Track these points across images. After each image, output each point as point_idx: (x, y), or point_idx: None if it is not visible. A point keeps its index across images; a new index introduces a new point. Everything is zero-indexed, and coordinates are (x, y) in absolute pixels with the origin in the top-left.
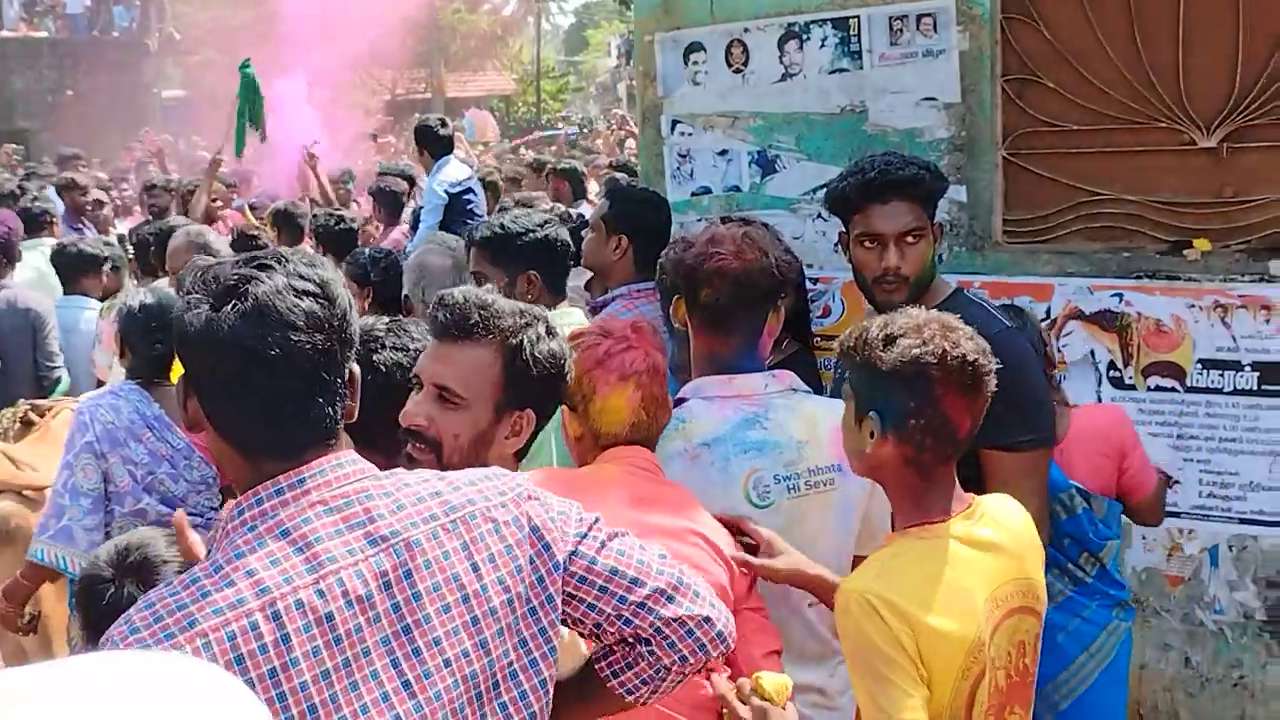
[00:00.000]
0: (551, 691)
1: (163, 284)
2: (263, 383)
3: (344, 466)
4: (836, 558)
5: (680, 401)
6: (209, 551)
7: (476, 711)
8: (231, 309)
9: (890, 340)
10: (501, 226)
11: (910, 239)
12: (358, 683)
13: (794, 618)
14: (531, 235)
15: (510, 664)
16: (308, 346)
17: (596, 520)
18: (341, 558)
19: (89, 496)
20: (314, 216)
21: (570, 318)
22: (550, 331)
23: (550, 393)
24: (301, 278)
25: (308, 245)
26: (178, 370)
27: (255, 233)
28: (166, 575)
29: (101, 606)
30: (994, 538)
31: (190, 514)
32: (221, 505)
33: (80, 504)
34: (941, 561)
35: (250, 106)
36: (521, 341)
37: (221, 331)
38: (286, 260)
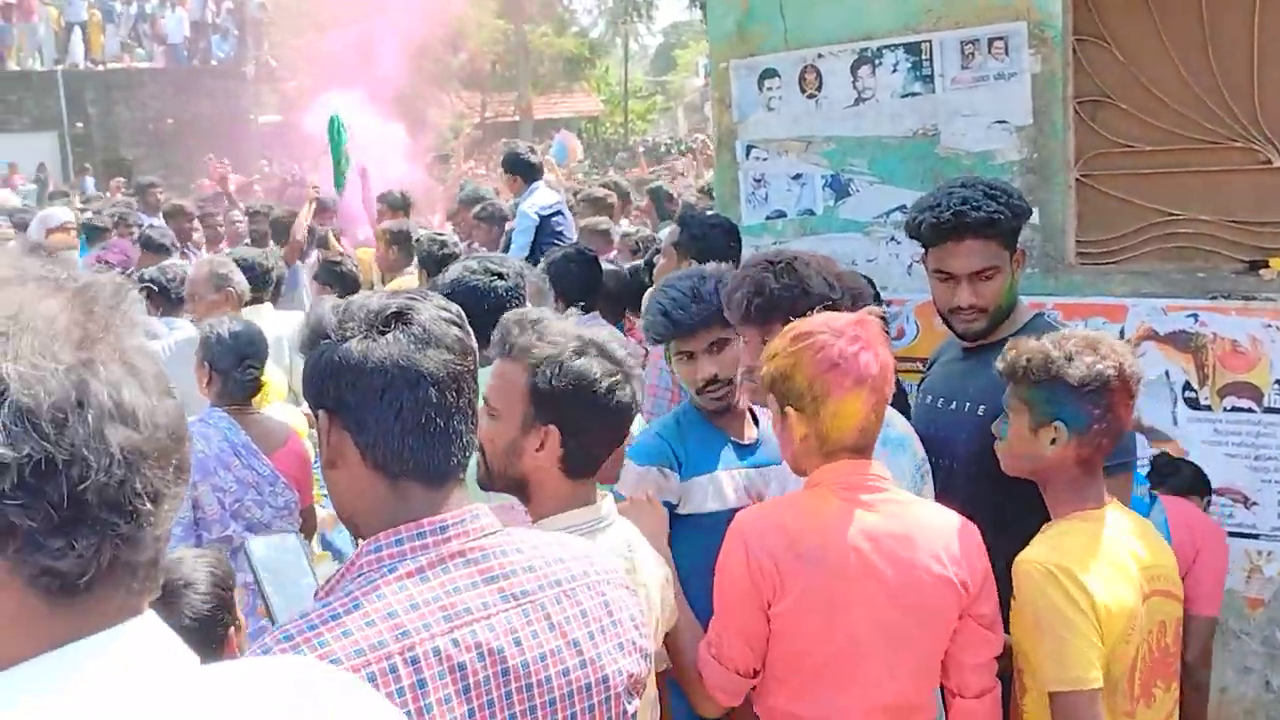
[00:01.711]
0: None
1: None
2: (428, 401)
3: (480, 519)
4: None
5: None
6: (337, 583)
7: None
8: (401, 333)
9: (1071, 358)
10: None
11: (985, 276)
12: None
13: None
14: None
15: None
16: (464, 370)
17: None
18: (476, 610)
19: (180, 524)
20: (418, 241)
21: None
22: (583, 351)
23: (577, 410)
24: (443, 309)
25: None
26: (263, 397)
27: (339, 259)
28: (188, 597)
29: None
30: (1135, 526)
31: None
32: (301, 529)
33: (173, 532)
34: (1104, 539)
35: (335, 154)
36: (543, 361)
37: (388, 354)
38: (426, 295)
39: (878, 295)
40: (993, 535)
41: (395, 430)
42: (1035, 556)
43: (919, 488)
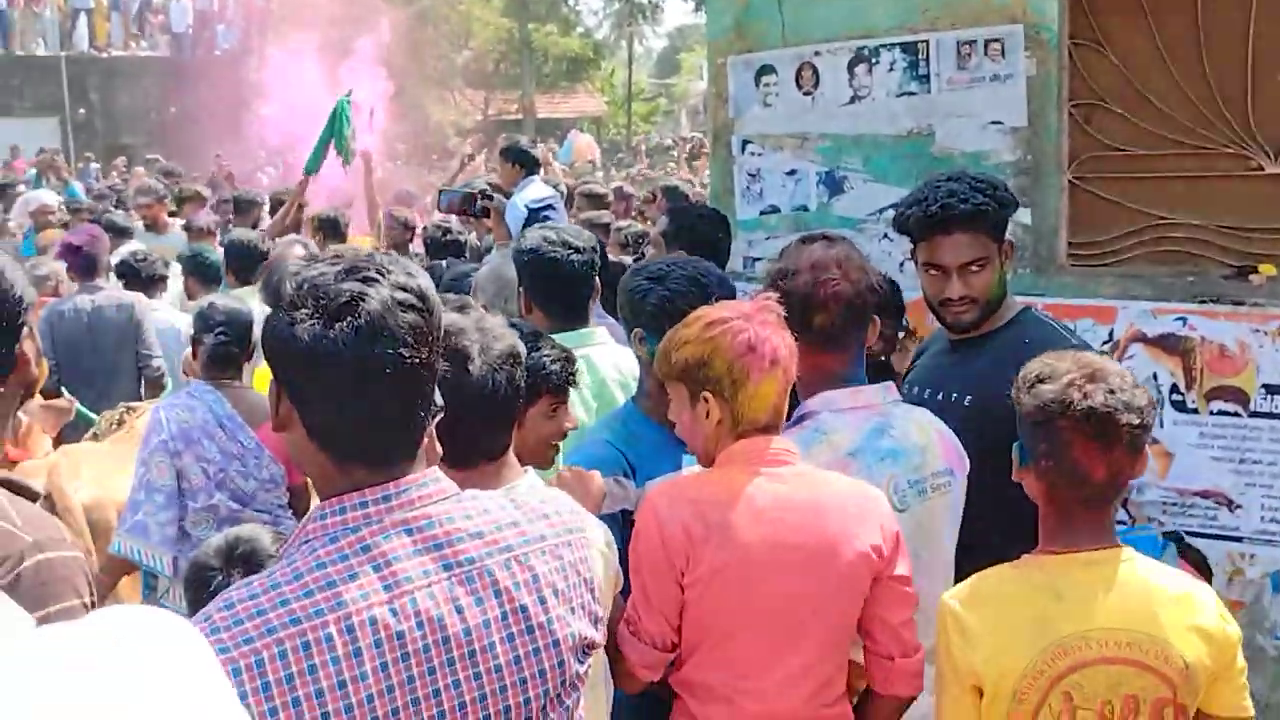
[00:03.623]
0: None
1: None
2: (372, 397)
3: (428, 486)
4: (951, 550)
5: (807, 414)
6: (287, 548)
7: None
8: (346, 325)
9: (1035, 383)
10: None
11: (974, 268)
12: (419, 699)
13: None
14: None
15: (559, 695)
16: (416, 361)
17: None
18: (417, 579)
19: (162, 492)
20: (424, 228)
21: None
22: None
23: None
24: (404, 289)
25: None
26: (260, 378)
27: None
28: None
29: (208, 593)
30: (1112, 583)
31: (258, 510)
32: (290, 504)
33: (154, 500)
34: (1029, 588)
35: (337, 134)
36: None
37: (335, 348)
38: (389, 270)
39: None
40: (981, 527)
41: (335, 421)
42: (948, 595)
43: (908, 504)
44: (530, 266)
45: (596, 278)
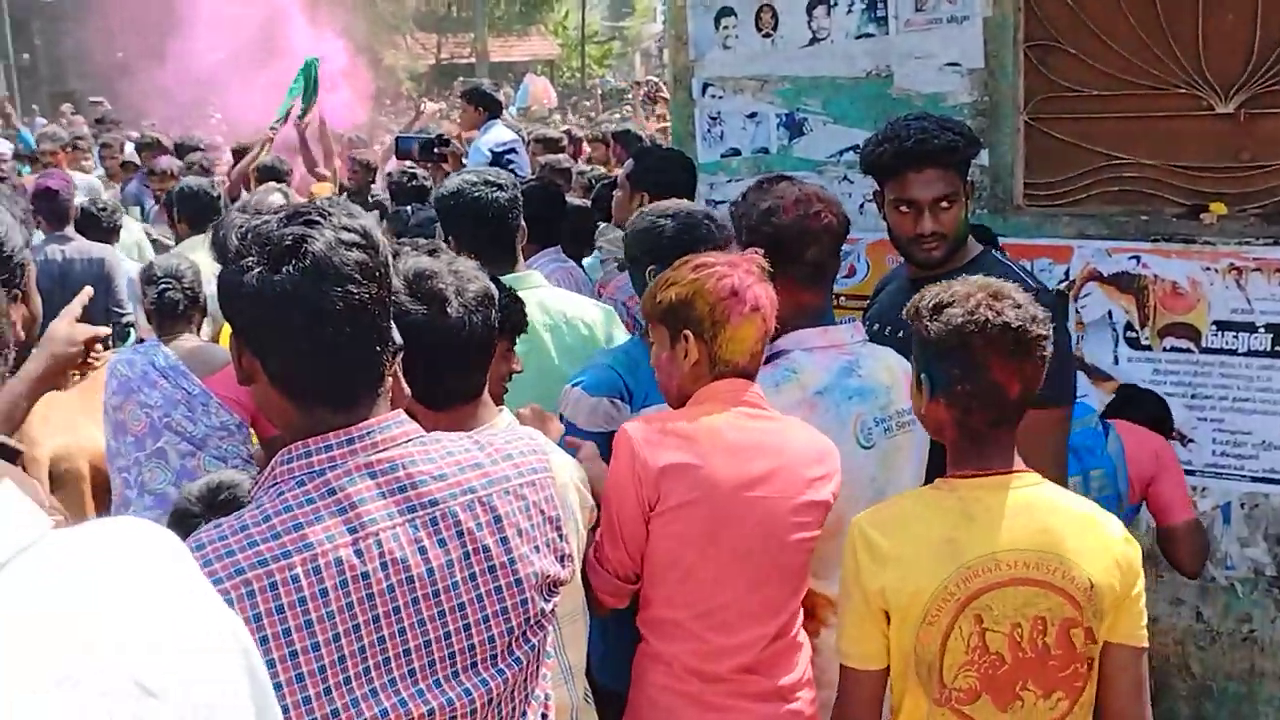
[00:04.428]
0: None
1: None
2: (325, 336)
3: (391, 428)
4: (916, 486)
5: (779, 353)
6: (255, 490)
7: (489, 670)
8: (293, 268)
9: (938, 309)
10: None
11: (945, 204)
12: (385, 638)
13: None
14: None
15: (524, 633)
16: (366, 297)
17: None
18: (381, 520)
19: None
20: (389, 175)
21: None
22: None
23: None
24: (346, 229)
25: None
26: (226, 335)
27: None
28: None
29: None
30: (1019, 505)
31: (213, 457)
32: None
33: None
34: (940, 511)
35: (304, 94)
36: None
37: (284, 291)
38: (329, 214)
39: None
40: (933, 465)
41: (294, 364)
42: (861, 516)
43: (874, 440)
44: (454, 210)
45: (522, 218)
